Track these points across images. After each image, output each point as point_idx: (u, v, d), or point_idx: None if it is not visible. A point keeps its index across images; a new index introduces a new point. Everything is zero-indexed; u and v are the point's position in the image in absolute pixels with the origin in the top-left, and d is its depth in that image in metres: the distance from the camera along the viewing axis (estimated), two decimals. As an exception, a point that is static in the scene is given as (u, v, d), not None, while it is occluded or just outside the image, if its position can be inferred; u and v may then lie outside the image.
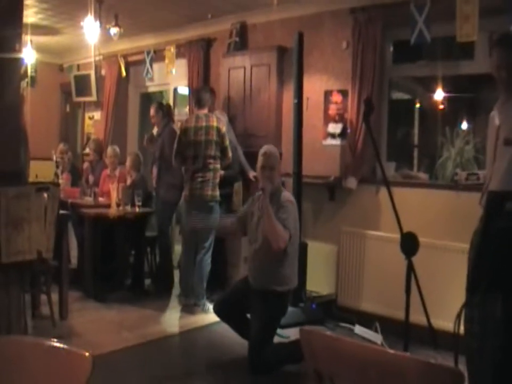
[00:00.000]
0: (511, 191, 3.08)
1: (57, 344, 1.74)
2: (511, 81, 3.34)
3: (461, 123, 5.97)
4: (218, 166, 5.76)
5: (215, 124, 5.75)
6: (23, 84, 7.33)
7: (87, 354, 1.68)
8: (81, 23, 6.48)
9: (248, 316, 4.59)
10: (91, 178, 7.51)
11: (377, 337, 4.86)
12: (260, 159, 4.51)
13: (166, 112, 6.74)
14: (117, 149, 7.25)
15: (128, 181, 6.90)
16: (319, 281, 5.78)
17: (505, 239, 2.31)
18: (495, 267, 2.35)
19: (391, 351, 1.66)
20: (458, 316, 3.43)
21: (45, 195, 4.59)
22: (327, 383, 1.77)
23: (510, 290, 2.41)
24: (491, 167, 3.41)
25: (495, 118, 3.43)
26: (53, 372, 1.73)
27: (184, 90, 8.08)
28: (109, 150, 7.27)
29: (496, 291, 2.56)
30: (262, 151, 4.56)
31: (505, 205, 2.30)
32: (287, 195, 4.51)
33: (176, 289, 6.38)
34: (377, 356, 1.67)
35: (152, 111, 6.71)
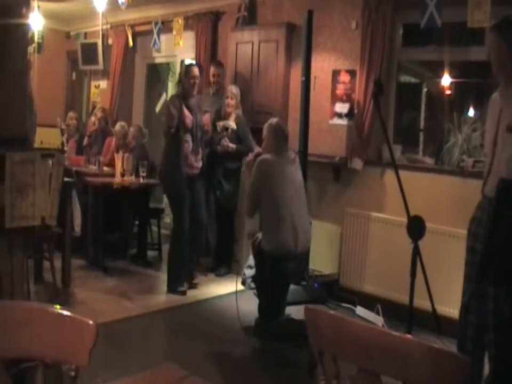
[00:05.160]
0: None
1: (62, 311, 1.74)
2: (500, 67, 3.35)
3: (468, 110, 5.93)
4: None
5: None
6: (30, 49, 7.29)
7: (91, 322, 1.68)
8: (89, -9, 6.43)
9: None
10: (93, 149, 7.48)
11: (378, 320, 4.88)
12: None
13: None
14: (126, 127, 7.21)
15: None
16: (322, 261, 5.80)
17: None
18: (505, 257, 2.35)
19: (396, 333, 1.66)
20: (462, 305, 3.45)
21: (50, 161, 4.59)
22: (330, 362, 1.78)
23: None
24: (491, 152, 3.40)
25: (497, 101, 3.43)
26: (58, 338, 1.73)
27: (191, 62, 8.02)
28: (117, 127, 7.22)
29: (503, 283, 2.56)
30: None
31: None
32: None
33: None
34: (381, 338, 1.68)
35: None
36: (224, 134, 6.05)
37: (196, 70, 5.59)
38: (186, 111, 5.44)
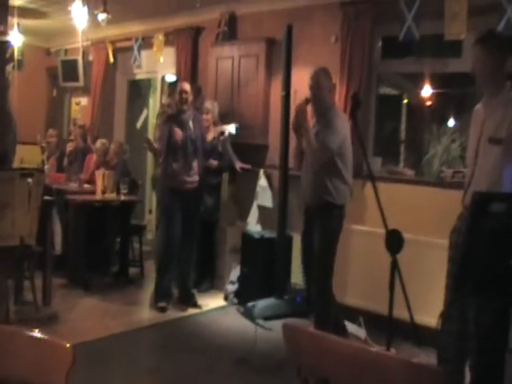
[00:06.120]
0: (497, 192, 3.10)
1: (37, 335, 1.73)
2: (484, 79, 3.39)
3: (448, 120, 5.99)
4: None
5: None
6: (9, 67, 7.26)
7: (67, 345, 1.67)
8: (69, 8, 6.41)
9: None
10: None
11: (361, 332, 4.88)
12: None
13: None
14: (107, 143, 7.19)
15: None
16: (304, 274, 5.78)
17: (492, 240, 2.32)
18: (483, 269, 2.36)
19: (374, 349, 1.66)
20: (443, 315, 3.46)
21: (29, 180, 4.56)
22: (309, 380, 1.77)
23: (498, 293, 2.42)
24: (472, 163, 3.43)
25: (480, 112, 3.46)
26: (34, 362, 1.71)
27: (172, 78, 8.02)
28: (98, 144, 7.19)
29: (482, 293, 2.58)
30: None
31: (491, 206, 2.30)
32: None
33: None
34: (359, 354, 1.67)
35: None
36: (220, 138, 6.03)
37: (183, 85, 5.60)
38: (176, 129, 5.44)
